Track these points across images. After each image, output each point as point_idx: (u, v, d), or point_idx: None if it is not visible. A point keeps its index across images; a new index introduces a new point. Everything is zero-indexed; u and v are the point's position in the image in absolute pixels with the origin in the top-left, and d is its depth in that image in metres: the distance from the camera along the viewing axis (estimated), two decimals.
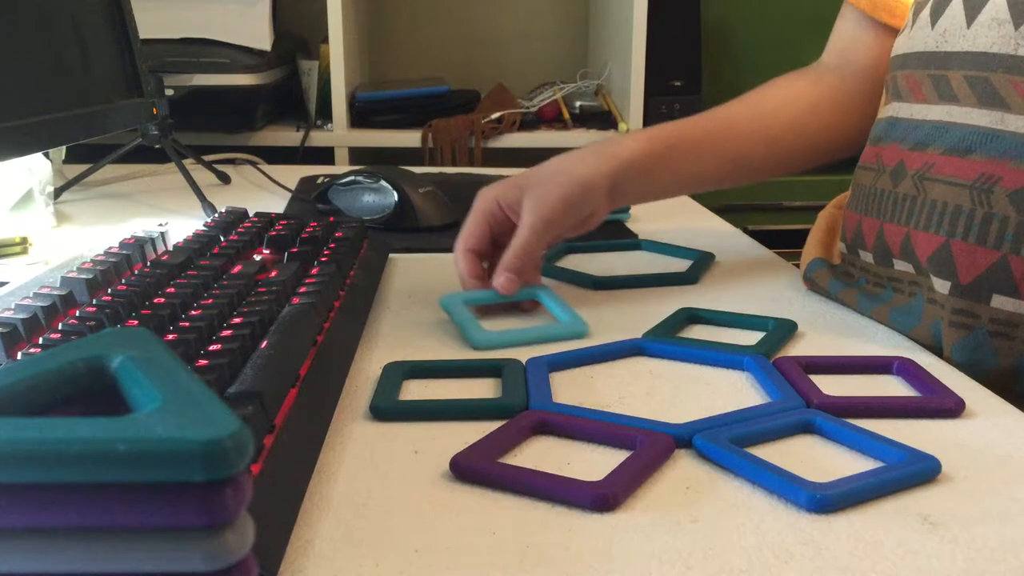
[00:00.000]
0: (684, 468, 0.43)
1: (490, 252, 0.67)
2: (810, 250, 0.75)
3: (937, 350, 0.60)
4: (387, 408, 0.47)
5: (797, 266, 0.77)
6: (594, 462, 0.43)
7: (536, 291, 0.63)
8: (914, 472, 0.41)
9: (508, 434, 0.44)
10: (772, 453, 0.43)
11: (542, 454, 0.44)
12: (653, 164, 0.71)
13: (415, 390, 0.51)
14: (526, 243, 0.64)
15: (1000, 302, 0.56)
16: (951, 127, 0.60)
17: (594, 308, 0.65)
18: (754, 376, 0.53)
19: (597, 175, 0.67)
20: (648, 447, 0.43)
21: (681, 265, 0.76)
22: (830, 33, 0.82)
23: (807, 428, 0.46)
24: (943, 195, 0.59)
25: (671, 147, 0.72)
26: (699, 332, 0.61)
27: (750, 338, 0.59)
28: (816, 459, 0.43)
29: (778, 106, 0.78)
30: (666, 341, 0.57)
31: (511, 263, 0.63)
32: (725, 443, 0.43)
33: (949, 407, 0.48)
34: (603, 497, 0.38)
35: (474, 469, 0.41)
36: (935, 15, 0.62)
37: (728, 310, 0.64)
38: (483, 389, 0.51)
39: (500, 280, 0.63)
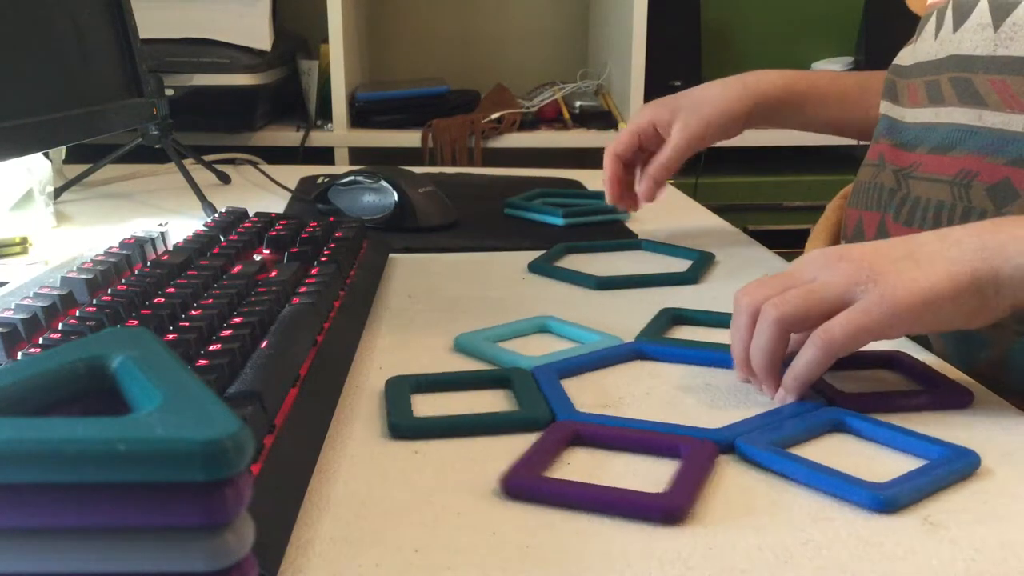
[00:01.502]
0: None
1: (633, 161, 0.82)
2: (815, 242, 0.76)
3: (926, 342, 0.61)
4: (408, 426, 0.45)
5: None
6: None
7: (545, 321, 0.61)
8: (961, 467, 0.41)
9: (546, 447, 0.43)
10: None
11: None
12: (784, 104, 0.81)
13: (425, 405, 0.50)
14: (669, 158, 0.79)
15: None
16: (937, 127, 0.62)
17: (596, 308, 0.65)
18: None
19: (738, 105, 0.79)
20: (696, 454, 0.42)
21: (681, 265, 0.76)
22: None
23: (838, 426, 0.46)
24: (927, 191, 0.61)
25: (803, 95, 0.82)
26: (686, 333, 0.61)
27: None
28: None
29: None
30: (664, 343, 0.57)
31: (656, 172, 0.79)
32: (769, 446, 0.42)
33: (959, 399, 0.48)
34: (673, 510, 0.38)
35: (528, 487, 0.39)
36: (938, 26, 0.64)
37: (718, 310, 0.64)
38: (496, 401, 0.50)
39: (644, 185, 0.80)
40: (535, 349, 0.57)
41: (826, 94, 0.82)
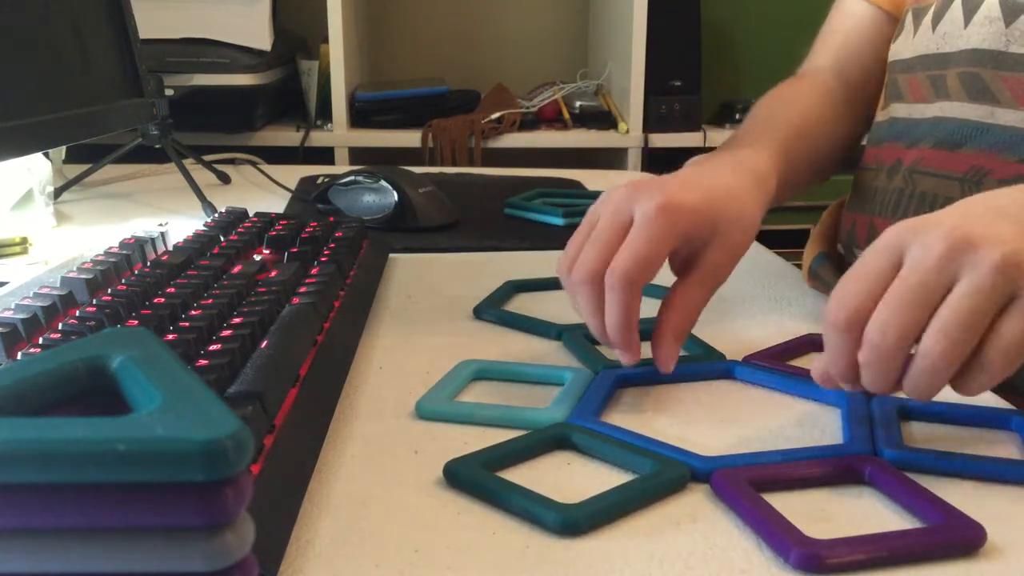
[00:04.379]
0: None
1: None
2: (814, 244, 0.75)
3: None
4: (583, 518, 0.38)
5: (797, 266, 0.77)
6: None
7: (563, 373, 0.52)
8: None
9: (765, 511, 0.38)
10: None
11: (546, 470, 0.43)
12: (781, 186, 0.62)
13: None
14: (704, 303, 0.51)
15: None
16: (943, 122, 0.61)
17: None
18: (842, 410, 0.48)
19: (760, 212, 0.56)
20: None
21: (653, 306, 0.58)
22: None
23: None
24: (933, 188, 0.61)
25: (789, 168, 0.64)
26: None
27: None
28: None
29: (808, 118, 0.72)
30: (759, 368, 0.53)
31: (684, 329, 0.50)
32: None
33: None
34: (976, 538, 0.36)
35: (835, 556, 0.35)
36: (936, 19, 0.63)
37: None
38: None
39: (667, 352, 0.49)
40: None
41: (802, 160, 0.67)
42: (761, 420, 0.48)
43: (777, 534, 0.36)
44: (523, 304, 0.66)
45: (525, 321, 0.61)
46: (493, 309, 0.63)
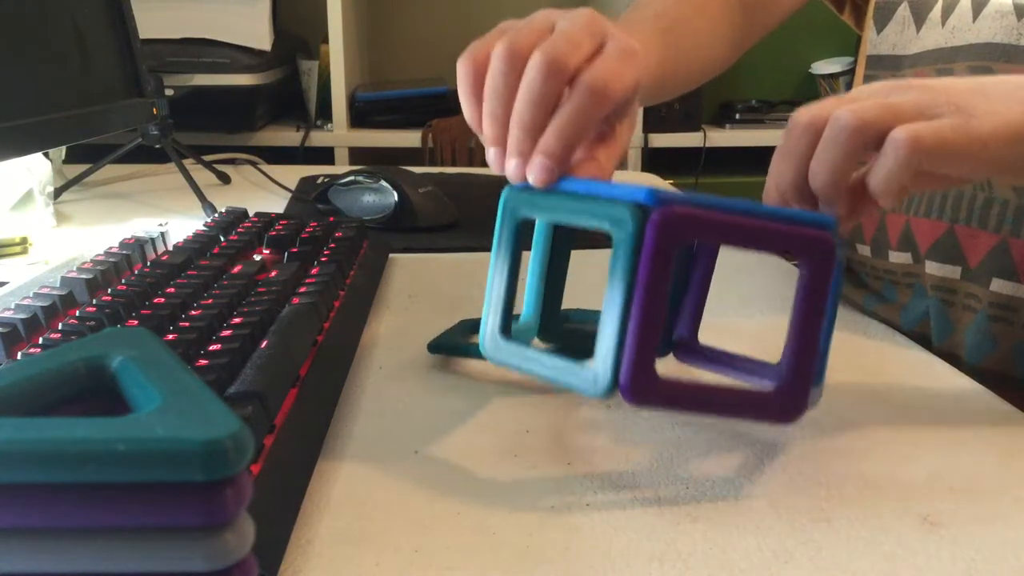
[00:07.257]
0: (681, 464, 0.43)
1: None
2: None
3: (927, 342, 0.61)
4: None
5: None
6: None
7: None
8: None
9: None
10: None
11: None
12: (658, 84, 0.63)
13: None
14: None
15: (999, 286, 0.57)
16: None
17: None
18: None
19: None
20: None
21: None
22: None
23: None
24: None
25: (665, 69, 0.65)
26: None
27: None
28: None
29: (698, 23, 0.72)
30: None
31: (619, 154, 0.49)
32: None
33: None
34: (791, 410, 0.36)
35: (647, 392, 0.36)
36: (945, 14, 0.64)
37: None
38: None
39: (595, 167, 0.48)
40: None
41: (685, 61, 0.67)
42: None
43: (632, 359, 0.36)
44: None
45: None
46: (450, 343, 0.56)
